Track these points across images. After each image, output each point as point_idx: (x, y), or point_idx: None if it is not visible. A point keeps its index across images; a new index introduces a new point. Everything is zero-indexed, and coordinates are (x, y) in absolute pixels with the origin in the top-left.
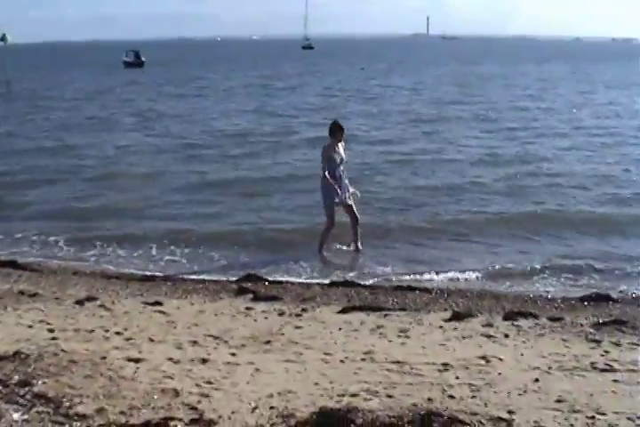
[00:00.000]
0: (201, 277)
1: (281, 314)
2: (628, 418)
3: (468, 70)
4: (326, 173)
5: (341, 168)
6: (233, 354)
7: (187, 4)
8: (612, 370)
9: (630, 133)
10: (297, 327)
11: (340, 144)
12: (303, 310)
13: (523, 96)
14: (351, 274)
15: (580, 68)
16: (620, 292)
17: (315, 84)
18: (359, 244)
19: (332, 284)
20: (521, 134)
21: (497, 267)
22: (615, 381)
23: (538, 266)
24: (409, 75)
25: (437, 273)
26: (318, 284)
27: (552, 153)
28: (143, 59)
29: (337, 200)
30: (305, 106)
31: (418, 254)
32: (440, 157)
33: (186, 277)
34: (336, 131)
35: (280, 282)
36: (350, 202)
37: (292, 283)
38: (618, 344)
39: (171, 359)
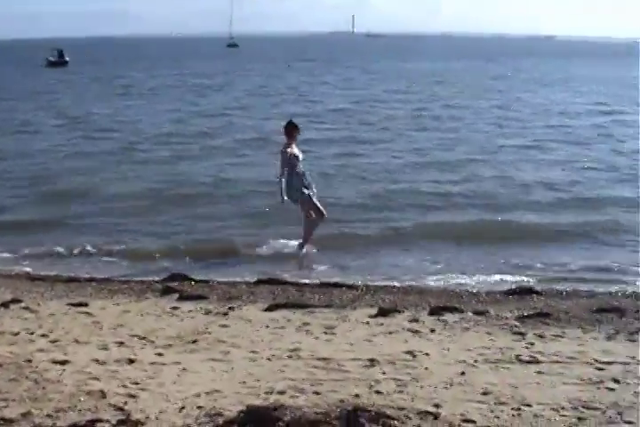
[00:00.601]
0: (127, 277)
1: (207, 313)
2: (553, 409)
3: (399, 67)
4: (295, 170)
5: (301, 166)
6: (159, 354)
7: (109, 2)
8: (537, 362)
9: (576, 132)
10: (223, 326)
11: (294, 143)
12: (229, 308)
13: (457, 93)
14: (278, 272)
15: (509, 64)
16: (544, 285)
17: (242, 83)
18: (305, 245)
19: (258, 282)
20: (457, 135)
21: (425, 266)
22: (539, 372)
23: (465, 265)
24: (337, 72)
25: (367, 274)
26: (244, 282)
27: (490, 155)
28: (67, 58)
29: (310, 193)
30: (234, 105)
31: (355, 259)
32: (378, 160)
33: (111, 277)
34: (292, 130)
35: (206, 281)
36: (315, 199)
37: (218, 282)
38: (542, 336)
39: (96, 361)
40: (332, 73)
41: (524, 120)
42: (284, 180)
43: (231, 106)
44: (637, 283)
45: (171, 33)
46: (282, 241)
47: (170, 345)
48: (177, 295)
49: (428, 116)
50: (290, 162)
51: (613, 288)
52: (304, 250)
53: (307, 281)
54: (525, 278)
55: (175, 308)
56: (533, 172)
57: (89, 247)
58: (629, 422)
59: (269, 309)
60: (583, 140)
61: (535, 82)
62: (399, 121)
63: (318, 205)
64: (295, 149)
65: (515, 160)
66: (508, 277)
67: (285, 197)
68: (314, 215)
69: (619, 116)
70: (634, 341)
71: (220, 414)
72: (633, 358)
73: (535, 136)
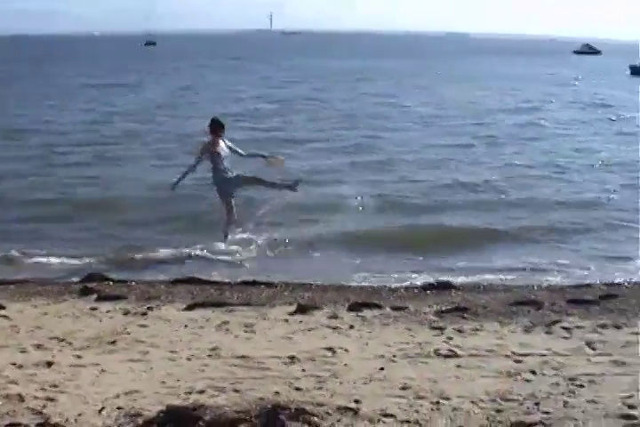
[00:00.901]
0: (45, 279)
1: (125, 313)
2: (471, 401)
3: (318, 65)
4: (220, 166)
5: (225, 163)
6: (78, 356)
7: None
8: (455, 356)
9: (505, 130)
10: (142, 326)
11: (220, 140)
12: (148, 308)
13: (381, 91)
14: (197, 272)
15: (429, 62)
16: (461, 279)
17: (160, 82)
18: (229, 232)
19: (176, 281)
20: (386, 135)
21: (348, 265)
22: (458, 366)
23: (388, 264)
24: (257, 70)
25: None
26: (162, 282)
27: (420, 155)
28: None
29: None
30: (154, 104)
31: (279, 260)
32: (307, 161)
33: (29, 279)
34: (216, 128)
35: (124, 281)
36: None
37: (136, 282)
38: (460, 331)
39: (14, 364)
40: (251, 71)
41: (451, 118)
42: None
43: (151, 105)
44: (557, 278)
45: (93, 32)
46: (199, 246)
47: (88, 346)
48: (95, 296)
49: (356, 114)
50: (213, 159)
51: (530, 282)
52: (230, 236)
53: (225, 280)
54: (445, 275)
55: (93, 308)
56: (464, 171)
57: (11, 252)
58: (546, 413)
59: (188, 308)
60: (512, 138)
61: (456, 79)
62: (326, 120)
63: (233, 207)
64: (219, 147)
65: (446, 160)
66: (427, 275)
67: (178, 184)
68: (227, 214)
69: (541, 113)
70: (550, 333)
71: (139, 415)
72: (549, 349)
73: (464, 134)
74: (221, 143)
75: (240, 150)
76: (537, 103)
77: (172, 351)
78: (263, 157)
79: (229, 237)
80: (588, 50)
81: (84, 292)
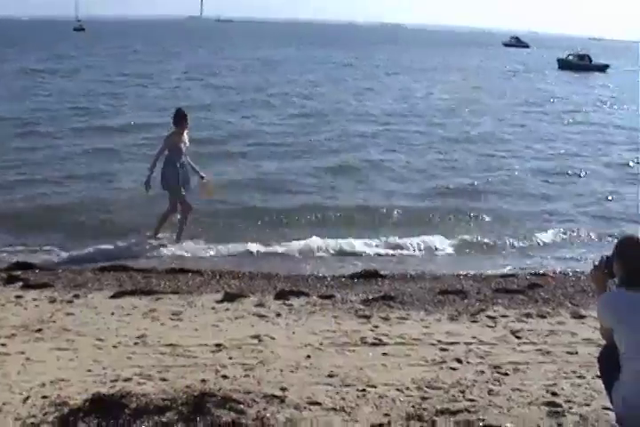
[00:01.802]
0: None
1: (52, 301)
2: (397, 389)
3: (252, 55)
4: (178, 160)
5: (183, 159)
6: (3, 344)
7: None
8: (382, 344)
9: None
10: (69, 314)
11: (185, 134)
12: (75, 296)
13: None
14: (124, 259)
15: (365, 52)
16: (389, 268)
17: (92, 69)
18: (181, 235)
19: (104, 269)
20: (322, 130)
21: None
22: (384, 354)
23: (311, 249)
24: (186, 58)
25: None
26: (89, 269)
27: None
28: None
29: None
30: (85, 93)
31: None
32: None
33: None
34: (181, 119)
35: (51, 269)
36: (186, 192)
37: (63, 269)
38: (386, 319)
39: None
40: (181, 58)
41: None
42: (156, 168)
43: (83, 94)
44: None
45: (21, 17)
46: (131, 236)
47: (14, 335)
48: (21, 284)
49: (303, 109)
50: (170, 152)
51: (457, 271)
52: (156, 236)
53: (153, 268)
54: (372, 263)
55: (19, 296)
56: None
57: None
58: (471, 400)
59: (115, 296)
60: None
61: (401, 71)
62: (262, 110)
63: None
64: (182, 141)
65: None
66: (358, 263)
67: (150, 184)
68: (168, 208)
69: (489, 108)
70: (476, 321)
71: (65, 404)
72: (475, 338)
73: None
74: (184, 137)
75: (188, 157)
76: (486, 99)
77: (98, 339)
78: (201, 177)
79: (160, 233)
80: (517, 43)
81: (10, 280)
